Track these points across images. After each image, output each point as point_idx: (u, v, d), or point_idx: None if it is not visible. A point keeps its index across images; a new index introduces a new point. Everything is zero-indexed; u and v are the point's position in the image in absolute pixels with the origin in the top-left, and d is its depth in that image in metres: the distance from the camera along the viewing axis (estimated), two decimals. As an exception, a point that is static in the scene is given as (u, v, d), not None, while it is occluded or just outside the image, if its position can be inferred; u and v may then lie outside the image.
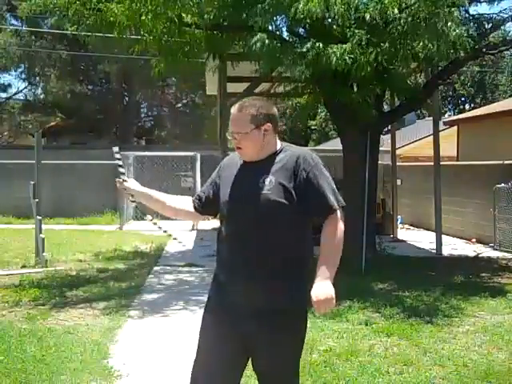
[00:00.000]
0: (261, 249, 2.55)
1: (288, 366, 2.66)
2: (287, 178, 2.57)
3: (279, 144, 2.70)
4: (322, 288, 2.48)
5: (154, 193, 2.94)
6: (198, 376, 2.67)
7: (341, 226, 2.57)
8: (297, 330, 2.63)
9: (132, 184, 2.90)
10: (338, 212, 2.58)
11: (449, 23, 6.70)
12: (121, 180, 2.96)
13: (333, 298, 2.49)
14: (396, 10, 6.79)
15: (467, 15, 8.23)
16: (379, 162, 9.60)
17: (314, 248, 2.66)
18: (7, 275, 8.03)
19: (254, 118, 2.61)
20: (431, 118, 11.70)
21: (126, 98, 28.98)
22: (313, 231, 2.68)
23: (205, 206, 2.83)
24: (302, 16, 6.70)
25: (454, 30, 6.67)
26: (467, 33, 6.98)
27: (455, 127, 18.03)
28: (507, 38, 9.86)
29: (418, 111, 28.16)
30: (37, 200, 8.98)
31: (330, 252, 2.54)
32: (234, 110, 2.66)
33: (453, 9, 6.79)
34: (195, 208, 2.85)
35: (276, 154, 2.65)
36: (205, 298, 2.86)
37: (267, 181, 2.56)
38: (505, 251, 10.18)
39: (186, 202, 2.88)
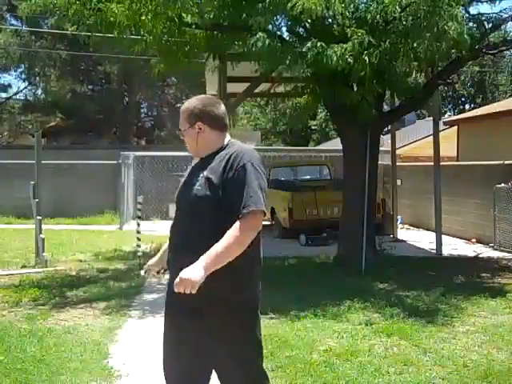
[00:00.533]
0: (190, 243, 2.62)
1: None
2: (217, 173, 2.62)
3: (226, 141, 2.77)
4: (189, 269, 2.44)
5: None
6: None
7: (247, 228, 2.52)
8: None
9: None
10: (254, 215, 2.53)
11: (449, 23, 6.69)
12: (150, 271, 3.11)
13: (191, 281, 2.41)
14: (398, 8, 6.79)
15: (467, 15, 8.22)
16: (379, 162, 9.60)
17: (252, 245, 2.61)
18: (7, 275, 8.03)
19: (188, 117, 2.74)
20: (431, 118, 11.69)
21: (126, 98, 28.96)
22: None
23: None
24: (301, 15, 6.70)
25: (456, 30, 6.66)
26: (468, 31, 6.97)
27: (455, 127, 18.02)
28: (507, 38, 9.84)
29: (418, 111, 28.15)
30: (37, 200, 8.98)
31: (220, 245, 2.48)
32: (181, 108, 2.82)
33: (454, 6, 6.78)
34: None
35: (219, 150, 2.73)
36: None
37: (200, 176, 2.66)
38: (505, 251, 10.18)
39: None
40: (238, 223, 2.52)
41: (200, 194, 2.63)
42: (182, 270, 2.49)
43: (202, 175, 2.66)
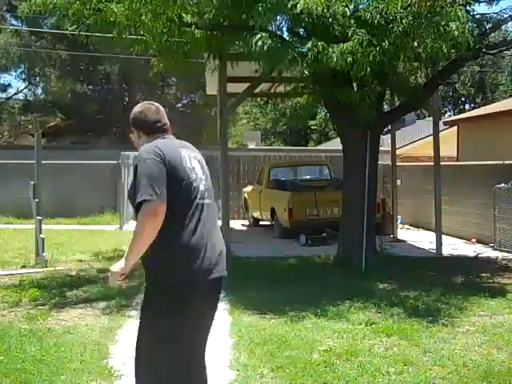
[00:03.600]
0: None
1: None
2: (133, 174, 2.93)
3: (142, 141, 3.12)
4: (115, 264, 2.88)
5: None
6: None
7: (143, 219, 2.79)
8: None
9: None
10: (143, 205, 2.77)
11: (450, 22, 6.69)
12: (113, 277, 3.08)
13: (114, 272, 2.87)
14: (398, 8, 6.79)
15: (467, 14, 8.22)
16: (379, 162, 9.59)
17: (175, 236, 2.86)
18: (7, 275, 8.03)
19: (131, 123, 3.16)
20: (431, 118, 11.69)
21: (126, 98, 28.97)
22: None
23: None
24: (302, 14, 6.70)
25: (457, 30, 6.66)
26: (469, 31, 6.97)
27: (455, 127, 18.02)
28: (507, 38, 9.84)
29: (418, 111, 28.15)
30: (37, 200, 8.98)
31: (132, 239, 2.83)
32: None
33: (455, 6, 6.78)
34: None
35: None
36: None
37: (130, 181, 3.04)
38: (505, 251, 10.17)
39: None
40: (141, 213, 2.80)
41: (128, 195, 3.02)
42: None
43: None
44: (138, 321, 3.09)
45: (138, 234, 2.80)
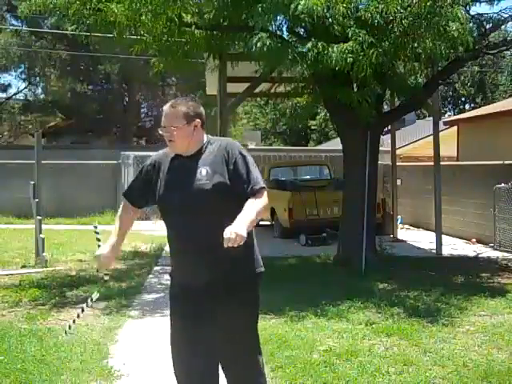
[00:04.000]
0: (207, 234, 2.82)
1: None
2: (220, 166, 2.88)
3: (205, 138, 3.02)
4: (238, 227, 2.66)
5: (114, 235, 3.15)
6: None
7: (266, 200, 2.87)
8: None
9: (104, 254, 3.02)
10: (262, 190, 2.87)
11: (451, 23, 6.69)
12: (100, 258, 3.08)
13: (243, 236, 2.64)
14: (398, 8, 6.79)
15: (467, 15, 8.22)
16: (379, 162, 9.59)
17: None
18: (7, 275, 8.03)
19: (185, 115, 2.93)
20: (431, 118, 11.69)
21: (126, 98, 28.98)
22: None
23: (138, 198, 3.15)
24: (302, 15, 6.69)
25: (457, 30, 6.66)
26: (469, 30, 6.96)
27: (455, 127, 18.03)
28: (507, 38, 9.84)
29: (418, 111, 28.16)
30: (37, 200, 8.98)
31: (253, 208, 2.78)
32: (166, 106, 3.00)
33: (455, 7, 6.78)
34: (132, 203, 3.16)
35: (205, 146, 2.98)
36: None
37: (203, 172, 2.87)
38: (505, 251, 10.17)
39: (126, 216, 3.19)
40: (258, 199, 2.82)
41: (208, 187, 2.84)
42: (206, 265, 2.83)
43: (205, 170, 2.87)
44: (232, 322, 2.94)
45: (261, 210, 2.83)
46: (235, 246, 2.63)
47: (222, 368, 3.01)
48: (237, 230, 2.62)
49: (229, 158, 2.88)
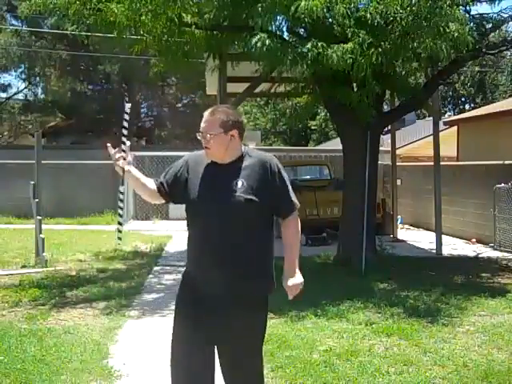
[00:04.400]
0: (233, 244, 2.84)
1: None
2: (257, 180, 2.87)
3: (243, 149, 2.98)
4: (296, 277, 2.95)
5: (137, 173, 3.12)
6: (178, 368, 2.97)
7: (299, 222, 2.99)
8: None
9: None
10: (296, 214, 2.98)
11: (450, 23, 6.69)
12: (124, 158, 3.08)
13: (302, 284, 2.95)
14: (398, 8, 6.79)
15: (467, 15, 8.22)
16: (379, 162, 9.59)
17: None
18: (7, 275, 8.03)
19: (223, 123, 2.90)
20: (431, 118, 11.69)
21: (126, 98, 28.96)
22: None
23: (168, 191, 3.04)
24: (302, 15, 6.69)
25: (457, 30, 6.66)
26: (469, 31, 6.96)
27: (455, 127, 18.03)
28: (507, 38, 9.84)
29: (418, 111, 28.16)
30: (37, 200, 8.98)
31: (295, 249, 2.98)
32: (207, 113, 2.96)
33: (454, 7, 6.78)
34: (159, 189, 3.05)
35: (242, 158, 2.95)
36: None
37: (239, 184, 2.86)
38: (505, 251, 10.18)
39: (151, 182, 3.10)
40: (292, 224, 2.96)
41: (241, 199, 2.84)
42: (224, 274, 2.82)
43: (240, 182, 2.86)
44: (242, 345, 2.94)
45: (298, 241, 3.05)
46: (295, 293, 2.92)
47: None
48: (297, 282, 2.93)
49: (269, 175, 2.89)
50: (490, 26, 8.53)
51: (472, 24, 8.06)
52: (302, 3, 6.62)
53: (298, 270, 2.95)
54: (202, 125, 2.94)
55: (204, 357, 2.91)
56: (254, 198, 2.83)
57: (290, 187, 2.96)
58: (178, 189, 2.99)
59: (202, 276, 2.91)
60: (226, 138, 2.90)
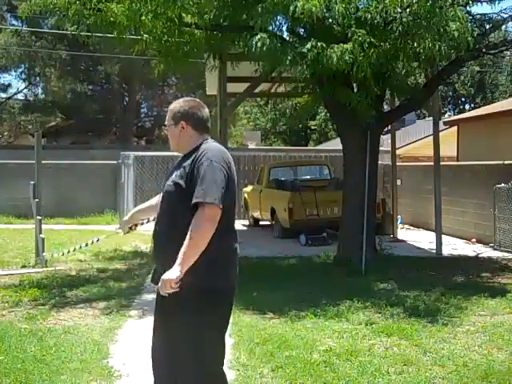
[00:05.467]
0: (165, 236, 2.91)
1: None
2: (185, 170, 2.87)
3: (202, 142, 2.97)
4: (169, 272, 2.73)
5: (142, 207, 3.37)
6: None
7: (203, 221, 2.74)
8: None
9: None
10: (206, 207, 2.74)
11: (450, 23, 6.69)
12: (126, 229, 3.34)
13: (170, 281, 2.70)
14: (398, 8, 6.79)
15: (467, 15, 8.23)
16: (379, 162, 9.59)
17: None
18: (7, 275, 8.03)
19: (174, 115, 3.00)
20: (431, 118, 11.69)
21: (126, 98, 28.98)
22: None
23: None
24: (302, 15, 6.69)
25: (457, 30, 6.66)
26: (469, 31, 6.97)
27: (455, 127, 18.02)
28: (507, 38, 9.84)
29: (418, 111, 28.16)
30: (37, 200, 8.98)
31: (190, 239, 2.73)
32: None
33: (454, 7, 6.78)
34: None
35: (194, 150, 2.93)
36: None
37: (173, 175, 2.94)
38: (505, 251, 10.17)
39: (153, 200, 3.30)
40: (198, 214, 2.74)
41: (170, 189, 2.92)
42: (164, 266, 2.81)
43: (175, 173, 2.93)
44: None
45: (196, 236, 2.72)
46: (170, 292, 2.72)
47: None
48: (165, 277, 2.72)
49: (193, 165, 2.84)
50: (490, 26, 8.53)
51: (472, 24, 8.06)
52: (301, 3, 6.62)
53: (177, 265, 2.70)
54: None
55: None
56: (175, 187, 2.87)
57: (203, 180, 2.76)
58: None
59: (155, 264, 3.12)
60: (176, 129, 2.99)
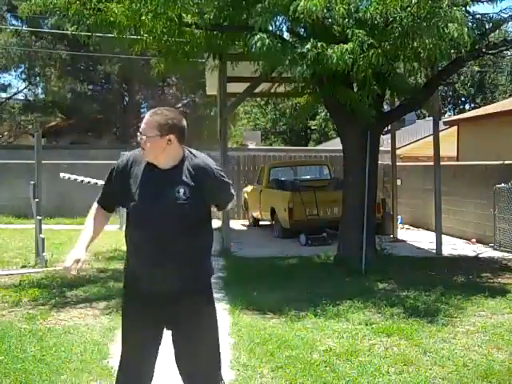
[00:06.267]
0: (183, 249, 2.85)
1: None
2: (198, 185, 2.85)
3: (185, 153, 2.93)
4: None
5: (84, 239, 2.99)
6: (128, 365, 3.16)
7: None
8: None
9: (73, 257, 2.87)
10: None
11: (450, 23, 6.69)
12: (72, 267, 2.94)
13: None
14: (398, 9, 6.79)
15: (467, 15, 8.22)
16: (379, 161, 9.59)
17: None
18: (7, 275, 8.03)
19: (160, 126, 2.83)
20: (431, 118, 11.69)
21: (126, 98, 28.97)
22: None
23: (111, 202, 3.10)
24: (301, 15, 6.69)
25: (457, 30, 6.66)
26: (468, 32, 6.96)
27: (455, 127, 18.03)
28: (507, 38, 9.83)
29: (418, 111, 28.17)
30: (37, 200, 8.98)
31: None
32: (148, 113, 2.91)
33: (454, 8, 6.78)
34: (104, 208, 3.07)
35: (182, 162, 2.88)
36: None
37: (181, 191, 2.83)
38: (505, 251, 10.17)
39: (98, 219, 3.05)
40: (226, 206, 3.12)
41: (189, 207, 2.84)
42: (181, 279, 2.88)
43: (183, 190, 2.83)
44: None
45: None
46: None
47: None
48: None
49: (206, 177, 2.89)
50: (490, 26, 8.53)
51: (472, 24, 8.06)
52: (301, 3, 6.62)
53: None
54: (142, 125, 2.88)
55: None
56: (195, 203, 2.85)
57: (229, 186, 3.03)
58: (118, 192, 2.99)
59: (150, 275, 2.94)
60: (162, 141, 2.83)
